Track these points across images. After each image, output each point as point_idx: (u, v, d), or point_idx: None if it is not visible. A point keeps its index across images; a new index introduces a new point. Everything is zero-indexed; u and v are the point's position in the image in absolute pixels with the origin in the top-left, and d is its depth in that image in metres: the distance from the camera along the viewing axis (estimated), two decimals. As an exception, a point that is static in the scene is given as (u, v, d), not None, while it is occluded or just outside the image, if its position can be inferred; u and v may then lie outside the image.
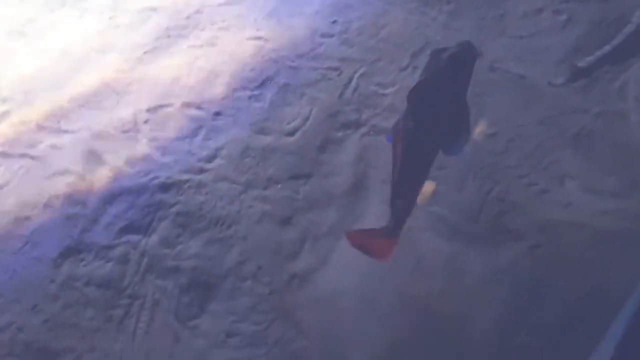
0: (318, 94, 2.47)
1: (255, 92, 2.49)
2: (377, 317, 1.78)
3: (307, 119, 2.38)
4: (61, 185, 2.15)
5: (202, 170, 2.19)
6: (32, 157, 2.26)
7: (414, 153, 1.76)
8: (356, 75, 2.52)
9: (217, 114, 2.40)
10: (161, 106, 2.46)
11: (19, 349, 1.70)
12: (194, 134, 2.33)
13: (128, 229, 2.00)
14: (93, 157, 2.25)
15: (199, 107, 2.43)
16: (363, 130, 2.33)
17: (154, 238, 2.00)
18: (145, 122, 2.40)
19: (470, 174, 2.11)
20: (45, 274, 1.86)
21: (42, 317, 1.77)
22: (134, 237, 1.99)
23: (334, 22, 2.73)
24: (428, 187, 1.86)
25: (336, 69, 2.55)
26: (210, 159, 2.24)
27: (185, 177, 2.15)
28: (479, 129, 2.26)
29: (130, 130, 2.37)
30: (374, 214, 2.01)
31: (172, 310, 1.83)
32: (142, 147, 2.30)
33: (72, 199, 2.11)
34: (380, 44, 2.63)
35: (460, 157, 1.99)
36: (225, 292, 1.86)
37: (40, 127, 2.38)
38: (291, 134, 2.32)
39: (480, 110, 2.32)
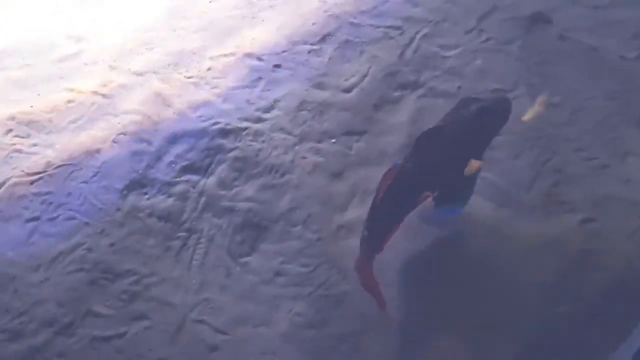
0: (378, 52, 2.47)
1: (316, 47, 2.52)
2: (415, 272, 1.83)
3: (365, 76, 2.39)
4: (129, 123, 2.29)
5: (259, 120, 2.27)
6: (103, 95, 2.41)
7: (398, 196, 1.68)
8: (418, 36, 2.50)
9: (277, 66, 2.46)
10: (224, 55, 2.54)
11: (87, 267, 1.87)
12: (253, 84, 2.40)
13: (189, 168, 2.12)
14: (159, 100, 2.37)
15: (259, 59, 2.49)
16: (420, 91, 2.33)
17: (212, 179, 2.11)
18: (208, 69, 2.49)
19: (527, 142, 2.08)
20: (112, 202, 2.01)
21: (109, 241, 1.93)
22: (194, 177, 2.11)
23: (401, -21, 2.70)
24: (474, 164, 1.78)
25: (398, 28, 2.54)
26: (268, 109, 2.31)
27: (243, 124, 2.23)
28: (541, 99, 2.22)
29: (193, 76, 2.47)
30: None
31: (226, 247, 1.94)
32: (204, 94, 2.39)
33: (139, 136, 2.24)
34: (447, 4, 2.59)
35: (452, 218, 1.89)
36: (276, 234, 1.96)
37: (111, 68, 2.52)
38: (348, 90, 2.35)
39: (545, 80, 2.27)
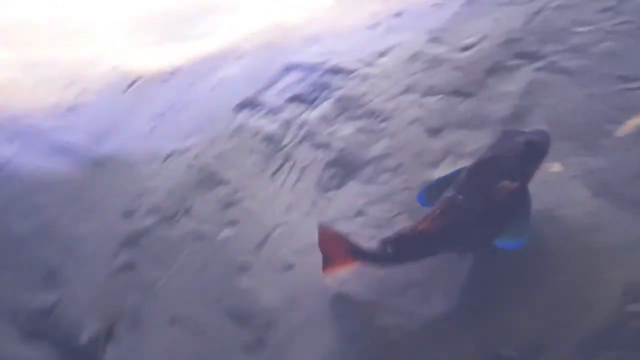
0: (503, 16, 2.39)
1: (440, 1, 2.48)
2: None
3: (484, 38, 2.34)
4: (251, 47, 2.43)
5: (370, 64, 2.32)
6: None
7: (449, 227, 1.55)
8: (551, 5, 2.37)
9: (398, 14, 2.46)
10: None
11: (194, 170, 2.09)
12: (372, 28, 2.44)
13: (296, 99, 2.25)
14: (280, 29, 2.48)
15: (383, 2, 2.50)
16: (539, 64, 2.25)
17: (315, 113, 2.23)
18: (327, 9, 2.55)
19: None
20: (225, 116, 2.20)
21: (216, 150, 2.13)
22: (299, 108, 2.24)
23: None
24: (633, 121, 1.71)
25: (531, -7, 2.42)
26: (380, 55, 2.35)
27: (354, 66, 2.30)
28: (633, 122, 2.07)
29: (311, 14, 2.55)
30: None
31: (316, 178, 2.08)
32: (320, 30, 2.47)
33: (258, 59, 2.38)
34: (588, -23, 2.42)
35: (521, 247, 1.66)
36: (364, 176, 2.06)
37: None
38: (464, 49, 2.32)
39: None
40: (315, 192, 2.06)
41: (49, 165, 2.16)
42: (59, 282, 1.97)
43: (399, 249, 1.56)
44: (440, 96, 2.22)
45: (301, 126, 2.19)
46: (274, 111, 2.23)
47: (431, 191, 1.71)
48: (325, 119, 2.21)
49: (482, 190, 1.58)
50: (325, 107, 2.23)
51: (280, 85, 2.29)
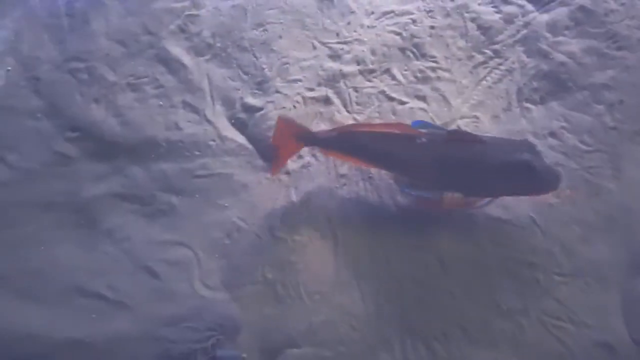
0: None
1: None
2: None
3: None
4: None
5: (628, -19, 2.01)
6: None
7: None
8: None
9: None
10: None
11: (404, 35, 2.05)
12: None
13: (531, -3, 2.06)
14: None
15: None
16: None
17: (544, 17, 2.03)
18: None
19: None
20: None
21: (431, 23, 2.06)
22: (529, 6, 2.05)
23: None
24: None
25: None
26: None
27: (612, -23, 2.01)
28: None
29: None
30: None
31: (519, 85, 1.96)
32: None
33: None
34: None
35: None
36: (573, 101, 1.91)
37: None
38: None
39: None
40: (512, 98, 1.96)
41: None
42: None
43: (343, 141, 1.73)
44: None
45: (524, 26, 2.02)
46: (500, 1, 2.05)
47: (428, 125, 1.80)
48: (553, 27, 2.01)
49: (446, 154, 1.66)
50: (558, 13, 2.02)
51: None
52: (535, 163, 1.58)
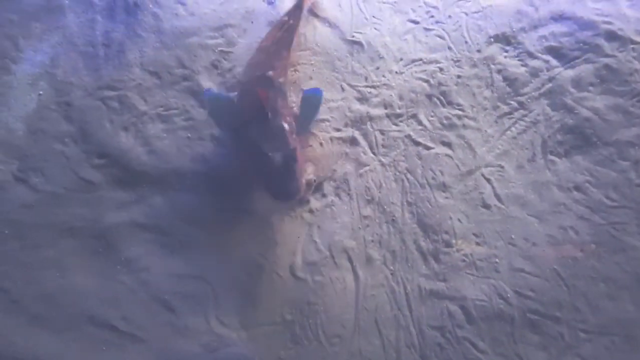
0: None
1: None
2: None
3: None
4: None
5: (651, 43, 2.07)
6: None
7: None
8: None
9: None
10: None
11: (432, 82, 2.10)
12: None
13: (555, 50, 2.10)
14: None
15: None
16: None
17: (569, 73, 2.07)
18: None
19: None
20: (478, 42, 2.13)
21: (458, 72, 2.10)
22: (554, 61, 2.09)
23: None
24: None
25: None
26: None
27: (638, 38, 2.06)
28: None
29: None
30: None
31: (544, 137, 1.98)
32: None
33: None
34: None
35: None
36: (599, 156, 1.92)
37: None
38: None
39: None
40: (538, 150, 1.98)
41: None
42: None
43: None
44: None
45: (549, 80, 2.06)
46: (526, 55, 2.11)
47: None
48: (578, 82, 2.04)
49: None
50: (583, 69, 2.06)
51: (543, 31, 2.14)
52: (278, 162, 1.71)
